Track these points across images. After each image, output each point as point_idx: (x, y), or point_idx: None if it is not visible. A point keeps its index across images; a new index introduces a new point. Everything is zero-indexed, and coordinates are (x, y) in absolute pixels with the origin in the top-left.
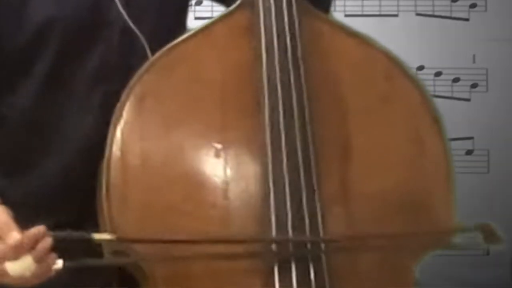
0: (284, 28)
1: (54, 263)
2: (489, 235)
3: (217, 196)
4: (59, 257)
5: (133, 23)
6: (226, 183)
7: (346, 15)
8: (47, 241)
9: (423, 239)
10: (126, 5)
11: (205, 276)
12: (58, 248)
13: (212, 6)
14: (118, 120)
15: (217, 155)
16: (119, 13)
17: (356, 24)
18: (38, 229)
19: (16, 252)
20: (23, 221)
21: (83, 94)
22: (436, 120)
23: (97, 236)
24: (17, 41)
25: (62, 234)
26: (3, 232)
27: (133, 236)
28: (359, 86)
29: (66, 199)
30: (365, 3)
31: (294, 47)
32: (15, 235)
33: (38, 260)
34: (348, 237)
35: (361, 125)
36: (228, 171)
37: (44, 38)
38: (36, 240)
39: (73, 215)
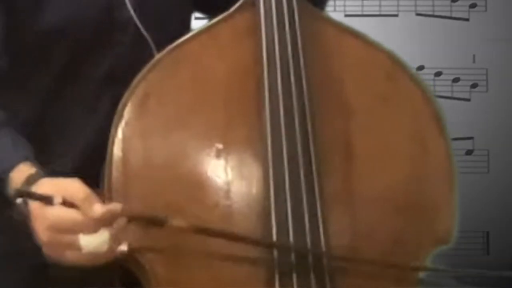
0: (285, 28)
1: (121, 244)
2: None
3: (219, 196)
4: None
5: (143, 27)
6: (228, 183)
7: (346, 15)
8: (123, 220)
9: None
10: (137, 10)
11: (207, 283)
12: None
13: None
14: (119, 120)
15: (219, 155)
16: (131, 17)
17: (356, 24)
18: (117, 205)
19: (97, 225)
20: None
21: (93, 98)
22: (438, 120)
23: (173, 221)
24: (30, 42)
25: (138, 214)
26: (85, 203)
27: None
28: (361, 86)
29: None
30: (365, 3)
31: (295, 47)
32: (98, 208)
33: (114, 238)
34: (345, 258)
35: (363, 125)
36: (230, 172)
37: (57, 40)
38: (114, 216)
39: None
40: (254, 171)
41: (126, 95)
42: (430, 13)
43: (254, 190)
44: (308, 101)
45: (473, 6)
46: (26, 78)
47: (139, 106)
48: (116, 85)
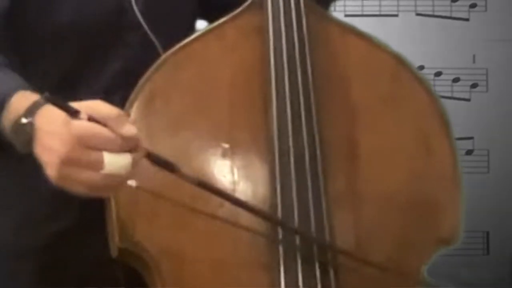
0: (292, 28)
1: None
2: None
3: None
4: None
5: (151, 30)
6: (233, 183)
7: (346, 15)
8: (143, 152)
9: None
10: (144, 14)
11: (211, 272)
12: None
13: None
14: None
15: (224, 155)
16: (138, 21)
17: (356, 24)
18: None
19: (123, 146)
20: (42, 220)
21: (101, 99)
22: (443, 121)
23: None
24: (39, 41)
25: (154, 152)
26: (118, 121)
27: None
28: (366, 86)
29: (83, 198)
30: (365, 3)
31: (302, 48)
32: (131, 128)
33: (134, 163)
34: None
35: (368, 125)
36: (236, 171)
37: (65, 40)
38: (138, 145)
39: (88, 215)
40: (260, 171)
41: (132, 94)
42: (430, 13)
43: (260, 190)
44: (314, 101)
45: (473, 6)
46: (33, 81)
47: (145, 105)
48: (124, 87)
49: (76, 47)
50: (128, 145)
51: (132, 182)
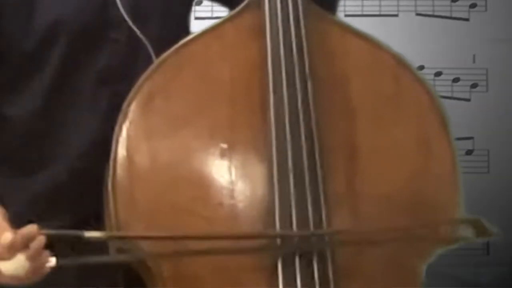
0: (289, 28)
1: (47, 261)
2: (480, 230)
3: (224, 196)
4: (56, 255)
5: (138, 26)
6: (232, 182)
7: (346, 15)
8: (40, 240)
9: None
10: (130, 9)
11: (211, 274)
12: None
13: (212, 6)
14: (124, 119)
15: (223, 154)
16: (124, 17)
17: (356, 24)
18: (30, 228)
19: (10, 251)
20: (31, 221)
21: (89, 96)
22: (443, 121)
23: (87, 234)
24: (24, 44)
25: (54, 232)
26: None
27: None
28: (367, 87)
29: (74, 199)
30: (365, 3)
31: (300, 49)
32: (8, 235)
33: (31, 259)
34: (348, 231)
35: (369, 125)
36: (234, 171)
37: (51, 41)
38: (28, 239)
39: (81, 216)
40: (258, 171)
41: (131, 94)
42: (430, 13)
43: (258, 189)
44: (313, 101)
45: (473, 6)
46: (24, 80)
47: (144, 105)
48: (113, 83)
49: (62, 46)
50: (14, 249)
51: (51, 263)
